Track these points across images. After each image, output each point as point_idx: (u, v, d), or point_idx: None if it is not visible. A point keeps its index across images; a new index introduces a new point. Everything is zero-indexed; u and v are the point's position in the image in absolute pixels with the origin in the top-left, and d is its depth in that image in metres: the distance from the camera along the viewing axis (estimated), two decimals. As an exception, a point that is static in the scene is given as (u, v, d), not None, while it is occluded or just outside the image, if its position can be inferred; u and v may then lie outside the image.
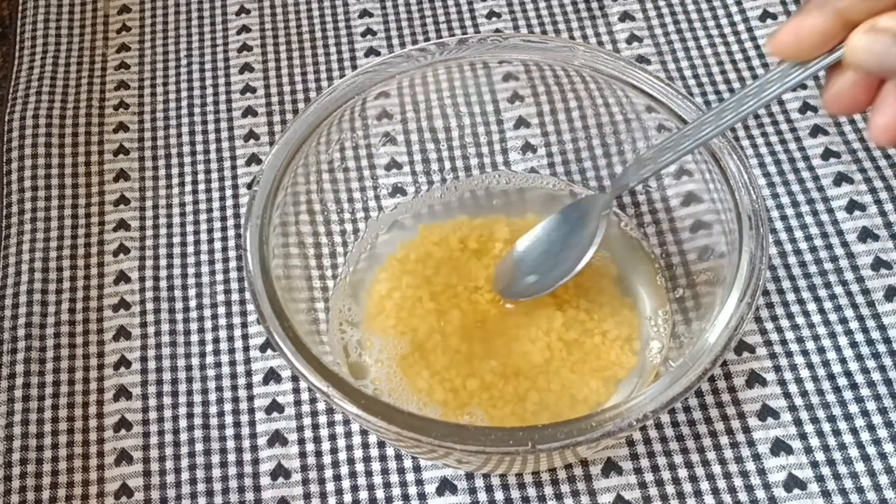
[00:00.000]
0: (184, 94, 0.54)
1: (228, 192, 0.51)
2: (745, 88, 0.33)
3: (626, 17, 0.55)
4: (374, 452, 0.43)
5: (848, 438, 0.41)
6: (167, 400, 0.45)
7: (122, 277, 0.48)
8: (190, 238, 0.49)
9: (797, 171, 0.49)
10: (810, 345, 0.44)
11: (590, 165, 0.47)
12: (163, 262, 0.49)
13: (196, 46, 0.56)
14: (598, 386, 0.41)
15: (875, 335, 0.44)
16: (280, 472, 0.43)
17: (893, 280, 0.45)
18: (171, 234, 0.50)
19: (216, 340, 0.46)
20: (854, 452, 0.41)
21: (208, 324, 0.47)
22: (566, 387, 0.41)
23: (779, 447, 0.42)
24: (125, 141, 0.53)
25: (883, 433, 0.41)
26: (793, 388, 0.43)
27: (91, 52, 0.56)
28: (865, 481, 0.40)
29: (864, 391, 0.43)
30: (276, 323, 0.36)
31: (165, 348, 0.46)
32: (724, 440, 0.42)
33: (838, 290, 0.45)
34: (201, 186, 0.51)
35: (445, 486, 0.42)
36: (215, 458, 0.43)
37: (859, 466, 0.41)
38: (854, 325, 0.44)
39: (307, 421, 0.44)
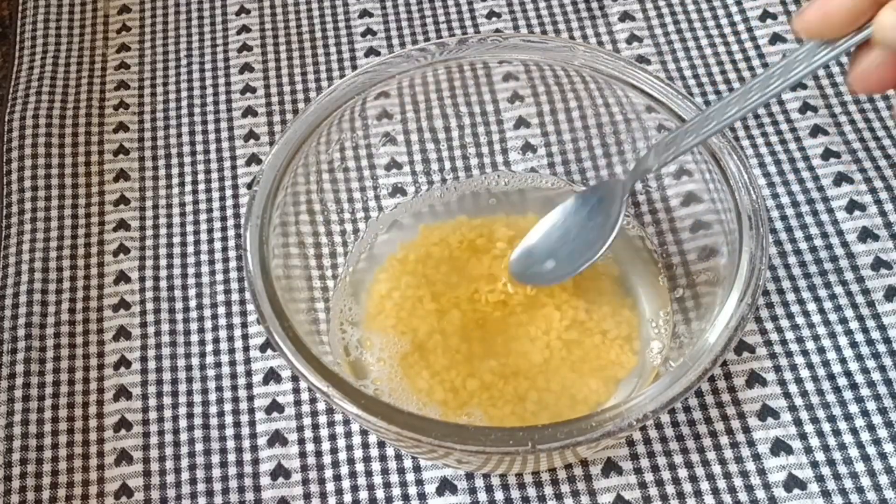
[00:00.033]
0: (184, 94, 0.54)
1: (228, 192, 0.51)
2: (770, 68, 0.33)
3: (626, 17, 0.55)
4: (374, 452, 0.43)
5: (848, 438, 0.41)
6: (167, 400, 0.45)
7: (122, 277, 0.48)
8: (190, 238, 0.49)
9: (797, 171, 0.49)
10: (810, 345, 0.44)
11: (590, 165, 0.47)
12: (163, 262, 0.49)
13: (196, 46, 0.56)
14: (597, 386, 0.41)
15: (875, 335, 0.44)
16: (280, 472, 0.43)
17: (893, 280, 0.45)
18: (171, 234, 0.50)
19: (216, 340, 0.46)
20: (854, 452, 0.41)
21: (208, 324, 0.47)
22: (566, 387, 0.41)
23: (779, 447, 0.42)
24: (125, 141, 0.53)
25: (883, 433, 0.41)
26: (793, 388, 0.43)
27: (91, 52, 0.56)
28: (865, 481, 0.40)
29: (864, 391, 0.43)
30: (276, 323, 0.36)
31: (165, 348, 0.46)
32: (724, 440, 0.42)
33: (838, 290, 0.45)
34: (201, 186, 0.51)
35: (445, 486, 0.42)
36: (215, 458, 0.43)
37: (859, 466, 0.41)
38: (854, 325, 0.44)
39: (307, 421, 0.44)
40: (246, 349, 0.46)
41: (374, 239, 0.46)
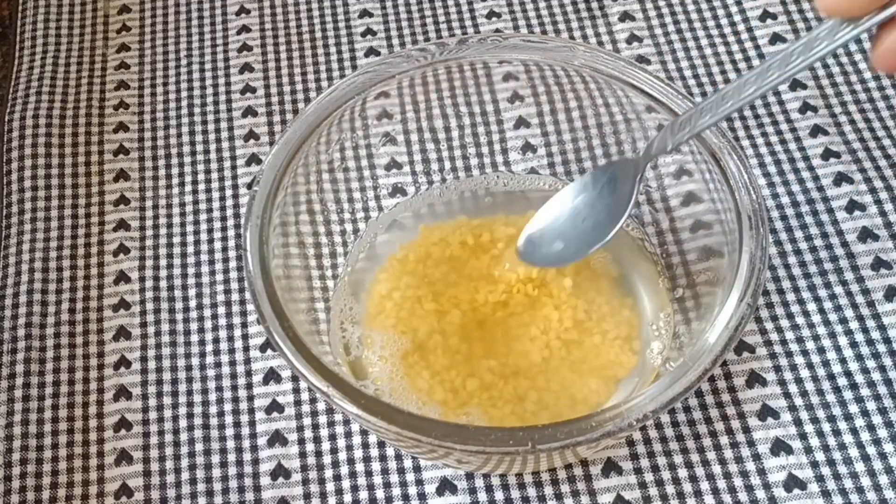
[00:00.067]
0: (184, 94, 0.54)
1: (228, 192, 0.51)
2: (790, 46, 0.32)
3: (626, 17, 0.55)
4: (374, 452, 0.43)
5: (848, 438, 0.41)
6: (167, 400, 0.45)
7: (122, 277, 0.48)
8: (190, 238, 0.49)
9: (797, 171, 0.49)
10: (810, 345, 0.44)
11: (590, 165, 0.47)
12: (163, 262, 0.49)
13: (196, 46, 0.56)
14: (597, 386, 0.41)
15: (875, 335, 0.44)
16: (280, 472, 0.43)
17: (893, 280, 0.45)
18: (171, 234, 0.50)
19: (216, 340, 0.46)
20: (854, 452, 0.41)
21: (208, 324, 0.47)
22: (566, 386, 0.41)
23: (779, 447, 0.42)
24: (125, 141, 0.53)
25: (883, 433, 0.41)
26: (793, 388, 0.43)
27: (91, 52, 0.56)
28: (865, 481, 0.40)
29: (864, 391, 0.43)
30: (276, 323, 0.36)
31: (165, 348, 0.46)
32: (724, 440, 0.42)
33: (838, 290, 0.45)
34: (201, 186, 0.51)
35: (445, 486, 0.42)
36: (215, 458, 0.43)
37: (859, 466, 0.41)
38: (854, 325, 0.44)
39: (307, 421, 0.44)
40: (246, 349, 0.46)
41: (374, 239, 0.46)
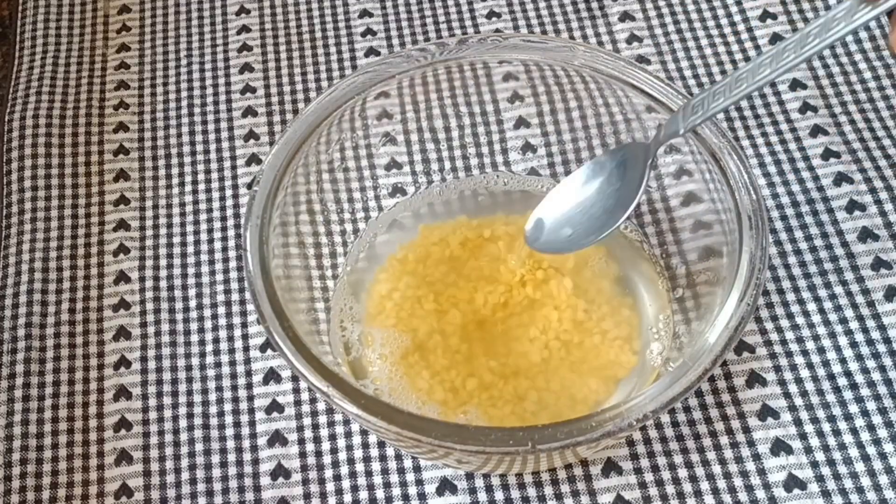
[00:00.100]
0: (184, 94, 0.54)
1: (228, 192, 0.51)
2: (807, 27, 0.31)
3: (626, 17, 0.55)
4: (374, 452, 0.43)
5: (848, 438, 0.41)
6: (167, 400, 0.45)
7: (122, 277, 0.48)
8: (190, 238, 0.49)
9: (797, 171, 0.49)
10: (810, 345, 0.44)
11: (590, 165, 0.47)
12: (163, 262, 0.49)
13: (196, 46, 0.56)
14: (597, 385, 0.41)
15: (875, 335, 0.44)
16: (280, 472, 0.43)
17: (893, 280, 0.45)
18: (171, 234, 0.50)
19: (216, 340, 0.46)
20: (854, 452, 0.41)
21: (208, 324, 0.47)
22: (566, 386, 0.41)
23: (779, 447, 0.42)
24: (125, 141, 0.53)
25: (883, 433, 0.41)
26: (793, 388, 0.43)
27: (91, 52, 0.56)
28: (865, 481, 0.40)
29: (864, 391, 0.43)
30: (276, 323, 0.36)
31: (165, 348, 0.46)
32: (724, 440, 0.42)
33: (838, 290, 0.45)
34: (201, 186, 0.51)
35: (445, 486, 0.42)
36: (215, 458, 0.43)
37: (859, 466, 0.41)
38: (854, 325, 0.44)
39: (307, 421, 0.44)
40: (246, 349, 0.46)
41: (374, 239, 0.46)
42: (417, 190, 0.48)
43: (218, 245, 0.49)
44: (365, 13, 0.57)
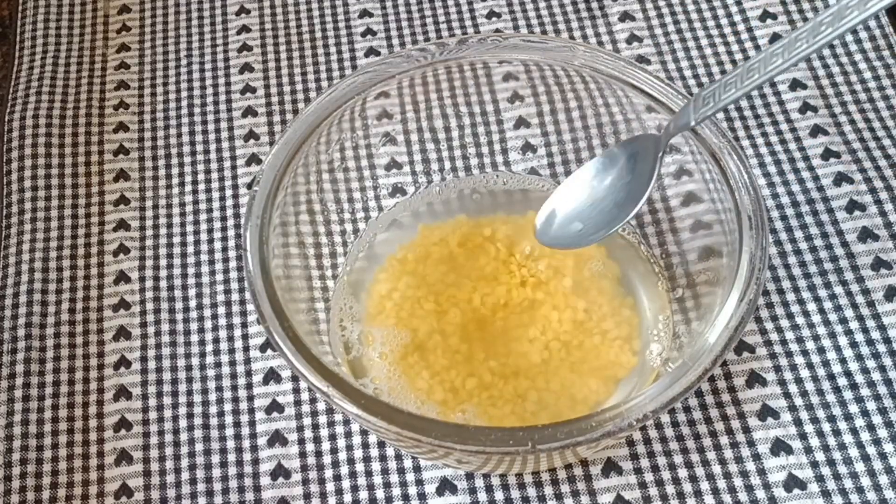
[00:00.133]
0: (184, 94, 0.54)
1: (228, 192, 0.51)
2: (819, 16, 0.31)
3: (626, 17, 0.55)
4: (374, 452, 0.43)
5: (848, 438, 0.41)
6: (167, 400, 0.45)
7: (122, 277, 0.48)
8: (190, 238, 0.49)
9: (797, 171, 0.49)
10: (810, 345, 0.44)
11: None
12: (163, 262, 0.49)
13: (196, 46, 0.56)
14: (597, 386, 0.41)
15: (875, 335, 0.44)
16: (280, 472, 0.43)
17: (893, 280, 0.45)
18: (171, 234, 0.50)
19: (216, 340, 0.46)
20: (854, 452, 0.41)
21: (208, 324, 0.47)
22: (566, 386, 0.41)
23: (779, 447, 0.42)
24: (125, 141, 0.53)
25: (883, 433, 0.41)
26: (793, 388, 0.43)
27: (91, 52, 0.56)
28: (865, 481, 0.40)
29: (864, 391, 0.43)
30: (276, 323, 0.36)
31: (165, 348, 0.46)
32: (724, 440, 0.42)
33: (838, 290, 0.45)
34: (201, 186, 0.51)
35: (445, 486, 0.42)
36: (215, 458, 0.43)
37: (859, 466, 0.41)
38: (854, 325, 0.44)
39: (307, 421, 0.44)
40: (246, 349, 0.46)
41: (374, 238, 0.46)
42: (417, 190, 0.48)
43: (218, 245, 0.49)
44: (365, 13, 0.57)
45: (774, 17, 0.54)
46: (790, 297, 0.45)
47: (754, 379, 0.43)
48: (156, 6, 0.58)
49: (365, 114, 0.44)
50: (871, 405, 0.42)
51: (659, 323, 0.43)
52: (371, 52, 0.55)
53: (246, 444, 0.43)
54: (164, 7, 0.58)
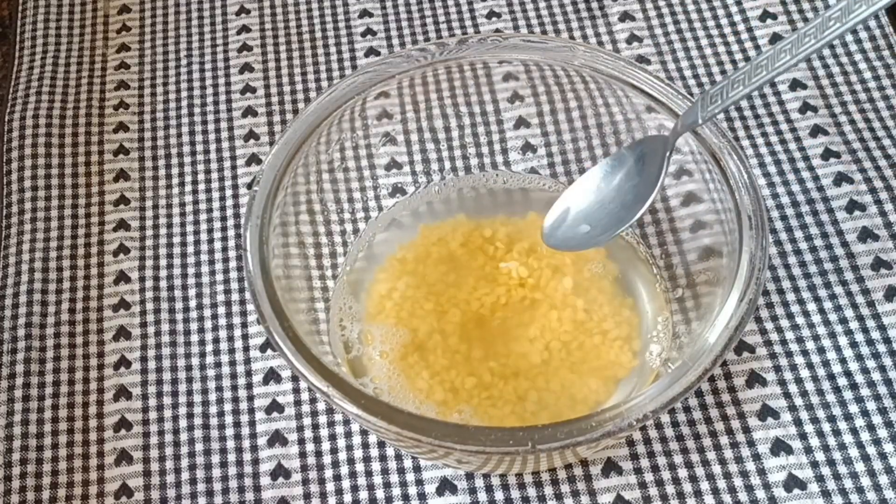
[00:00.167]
0: (184, 94, 0.54)
1: (228, 192, 0.51)
2: (827, 11, 0.31)
3: (626, 17, 0.55)
4: (374, 452, 0.43)
5: (848, 438, 0.41)
6: (167, 400, 0.45)
7: (122, 277, 0.48)
8: (190, 238, 0.49)
9: (797, 171, 0.49)
10: (810, 345, 0.44)
11: (590, 165, 0.47)
12: (163, 262, 0.49)
13: (196, 46, 0.56)
14: (597, 386, 0.41)
15: (875, 335, 0.44)
16: (280, 472, 0.43)
17: (893, 280, 0.45)
18: (171, 234, 0.50)
19: (216, 340, 0.46)
20: (854, 452, 0.41)
21: (208, 324, 0.47)
22: (566, 387, 0.41)
23: (779, 447, 0.42)
24: (125, 141, 0.53)
25: (883, 433, 0.41)
26: (793, 388, 0.43)
27: (91, 52, 0.56)
28: (865, 481, 0.40)
29: (864, 391, 0.43)
30: (276, 323, 0.36)
31: (165, 348, 0.46)
32: (724, 440, 0.42)
33: (838, 290, 0.45)
34: (201, 186, 0.51)
35: (445, 486, 0.42)
36: (215, 458, 0.43)
37: (859, 466, 0.41)
38: (854, 325, 0.44)
39: (307, 421, 0.44)
40: (246, 349, 0.46)
41: (373, 238, 0.46)
42: (417, 189, 0.48)
43: (218, 245, 0.49)
44: (365, 13, 0.57)
45: (774, 17, 0.54)
46: (790, 297, 0.45)
47: (754, 379, 0.43)
48: (156, 6, 0.58)
49: (365, 114, 0.44)
50: (871, 405, 0.42)
51: (659, 323, 0.43)
52: (371, 52, 0.55)
53: (246, 444, 0.43)
54: (164, 7, 0.58)
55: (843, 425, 0.42)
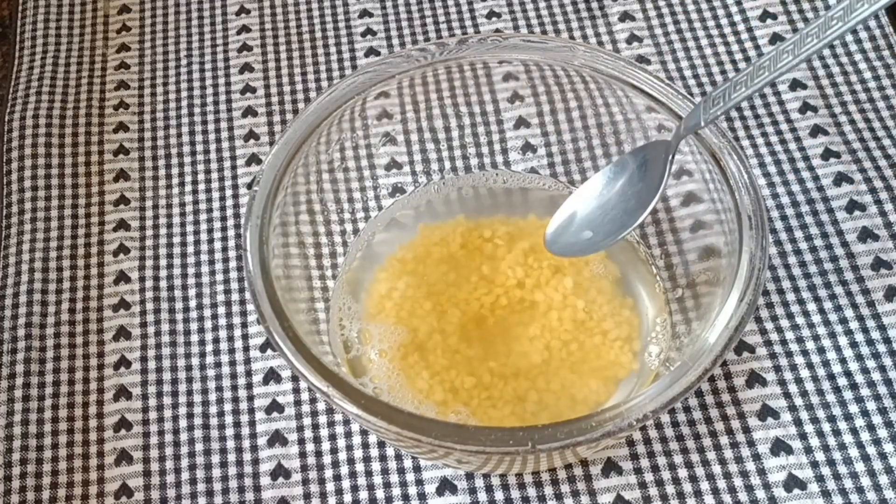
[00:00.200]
0: (184, 94, 0.54)
1: (228, 192, 0.51)
2: (830, 11, 0.31)
3: (626, 17, 0.55)
4: (374, 452, 0.43)
5: (848, 438, 0.41)
6: (167, 400, 0.45)
7: (122, 277, 0.48)
8: (190, 238, 0.49)
9: (797, 171, 0.49)
10: (810, 345, 0.44)
11: (590, 165, 0.47)
12: (163, 262, 0.49)
13: (196, 46, 0.56)
14: (597, 386, 0.41)
15: (875, 335, 0.44)
16: (280, 472, 0.43)
17: (893, 280, 0.45)
18: (171, 234, 0.50)
19: (216, 340, 0.46)
20: (854, 452, 0.41)
21: (208, 324, 0.47)
22: (566, 387, 0.41)
23: (779, 447, 0.42)
24: (125, 141, 0.53)
25: (883, 433, 0.41)
26: (793, 388, 0.43)
27: (91, 52, 0.56)
28: (865, 481, 0.40)
29: (864, 391, 0.43)
30: (276, 323, 0.36)
31: (165, 348, 0.46)
32: (724, 440, 0.42)
33: (838, 290, 0.45)
34: (201, 186, 0.51)
35: (445, 486, 0.42)
36: (215, 458, 0.43)
37: (859, 466, 0.41)
38: (854, 325, 0.44)
39: (307, 421, 0.44)
40: (246, 349, 0.46)
41: (373, 238, 0.46)
42: (417, 189, 0.48)
43: (218, 245, 0.49)
44: (365, 13, 0.57)
45: (774, 17, 0.54)
46: (790, 297, 0.45)
47: (754, 379, 0.43)
48: (156, 6, 0.58)
49: (365, 114, 0.44)
50: (871, 405, 0.42)
51: (658, 324, 0.43)
52: (371, 52, 0.55)
53: (246, 444, 0.43)
54: (164, 7, 0.58)
55: (843, 425, 0.42)
